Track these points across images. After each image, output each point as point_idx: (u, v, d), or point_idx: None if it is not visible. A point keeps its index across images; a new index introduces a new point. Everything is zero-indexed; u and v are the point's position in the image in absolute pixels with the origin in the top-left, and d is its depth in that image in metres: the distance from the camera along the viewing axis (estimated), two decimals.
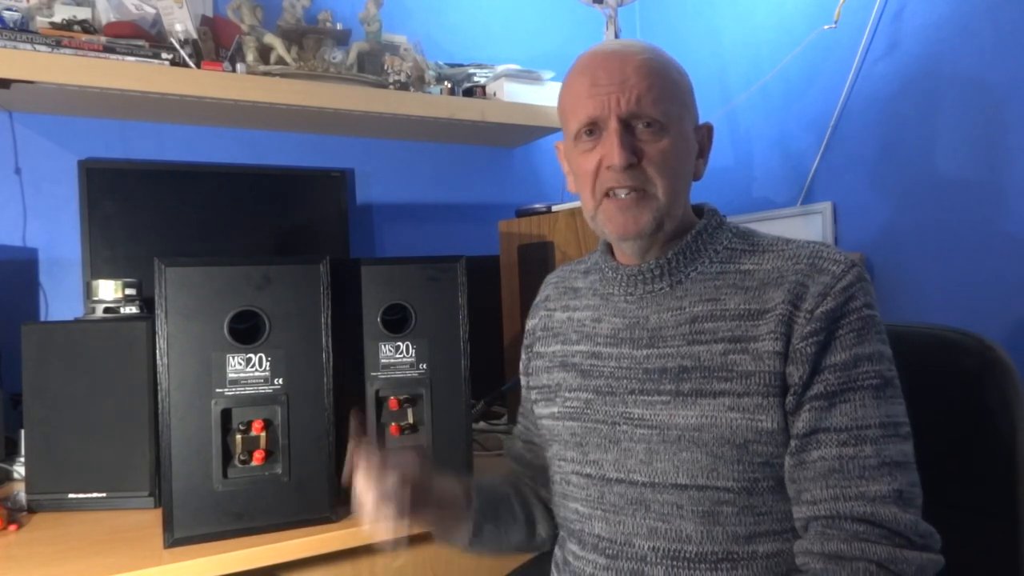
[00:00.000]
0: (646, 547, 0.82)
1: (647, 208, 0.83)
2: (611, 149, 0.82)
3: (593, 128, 0.84)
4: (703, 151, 0.91)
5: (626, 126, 0.82)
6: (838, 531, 0.73)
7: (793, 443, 0.77)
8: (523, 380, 1.04)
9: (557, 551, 0.96)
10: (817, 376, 0.76)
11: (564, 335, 0.95)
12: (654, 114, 0.82)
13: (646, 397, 0.83)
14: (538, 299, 1.05)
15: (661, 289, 0.87)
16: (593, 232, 0.91)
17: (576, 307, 0.96)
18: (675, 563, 0.80)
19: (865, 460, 0.74)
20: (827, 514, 0.74)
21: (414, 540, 1.16)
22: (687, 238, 0.87)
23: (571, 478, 0.90)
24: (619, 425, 0.85)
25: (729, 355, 0.79)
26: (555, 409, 0.92)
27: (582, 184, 0.87)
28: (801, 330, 0.77)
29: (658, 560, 0.81)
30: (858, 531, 0.72)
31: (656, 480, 0.81)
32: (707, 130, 0.91)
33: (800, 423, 0.77)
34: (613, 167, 0.82)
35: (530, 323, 1.04)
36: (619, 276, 0.90)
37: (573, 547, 0.90)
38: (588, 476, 0.87)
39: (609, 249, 0.94)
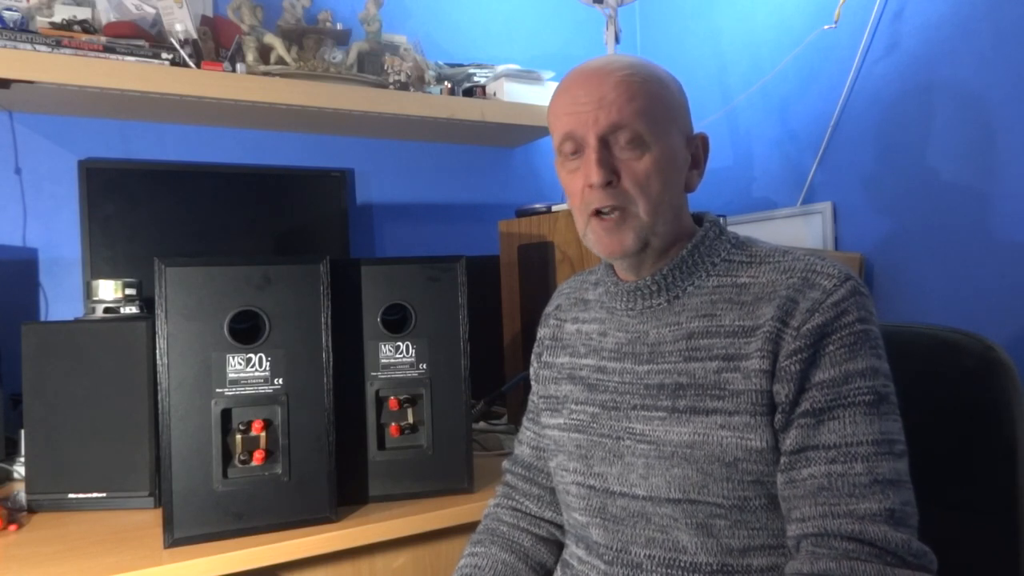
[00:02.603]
0: (642, 554, 0.82)
1: (629, 228, 0.83)
2: (590, 167, 0.82)
3: (576, 147, 0.84)
4: (697, 162, 0.88)
5: (605, 144, 0.82)
6: (827, 549, 0.71)
7: (783, 460, 0.76)
8: (533, 386, 1.03)
9: (564, 549, 0.96)
10: (805, 394, 0.75)
11: (573, 347, 0.95)
12: (631, 131, 0.81)
13: (646, 413, 0.83)
14: (549, 308, 1.04)
15: (659, 304, 0.87)
16: None
17: (585, 319, 0.96)
18: (670, 571, 0.80)
19: (856, 478, 0.72)
20: (816, 532, 0.73)
21: (414, 540, 1.16)
22: (683, 252, 0.86)
23: (571, 488, 0.90)
24: (623, 440, 0.85)
25: (722, 373, 0.79)
26: (561, 420, 0.92)
27: (571, 202, 0.88)
28: (787, 347, 0.76)
29: (653, 567, 0.81)
30: (848, 549, 0.70)
31: (653, 494, 0.81)
32: (701, 140, 0.89)
33: (789, 441, 0.76)
34: (592, 185, 0.82)
35: (540, 331, 1.04)
36: (620, 291, 0.90)
37: (579, 551, 0.91)
38: (591, 488, 0.87)
39: (611, 263, 0.94)
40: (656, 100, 0.83)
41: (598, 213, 0.84)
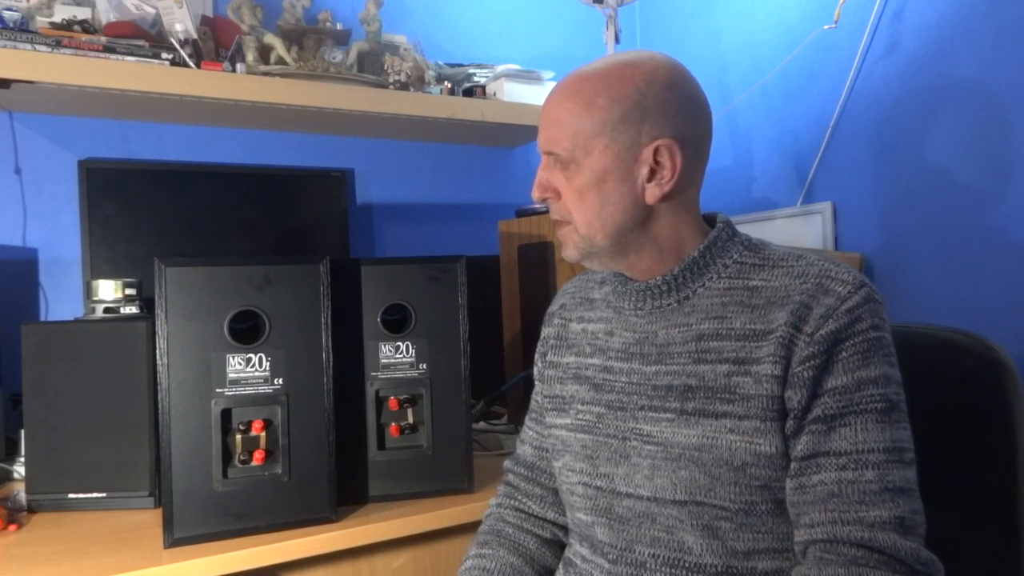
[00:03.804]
0: (646, 554, 0.82)
1: (570, 240, 0.88)
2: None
3: None
4: (655, 173, 0.82)
5: (548, 161, 0.87)
6: (836, 556, 0.71)
7: (793, 466, 0.76)
8: (537, 386, 1.03)
9: (568, 548, 0.96)
10: (817, 400, 0.75)
11: (578, 347, 0.95)
12: (560, 151, 0.84)
13: (654, 414, 0.83)
14: (553, 307, 1.04)
15: (669, 305, 0.86)
16: None
17: (591, 319, 0.95)
18: (674, 570, 0.80)
19: (866, 485, 0.72)
20: (824, 538, 0.73)
21: (414, 540, 1.16)
22: (694, 253, 0.85)
23: (576, 488, 0.90)
24: (629, 440, 0.85)
25: (732, 377, 0.79)
26: (568, 420, 0.92)
27: None
28: (800, 353, 0.76)
29: (657, 567, 0.81)
30: (856, 556, 0.70)
31: (658, 495, 0.81)
32: (664, 148, 0.81)
33: (800, 446, 0.76)
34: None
35: (545, 331, 1.03)
36: (628, 291, 0.89)
37: (583, 550, 0.91)
38: (598, 488, 0.87)
39: None
40: (587, 117, 0.82)
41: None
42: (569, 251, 0.88)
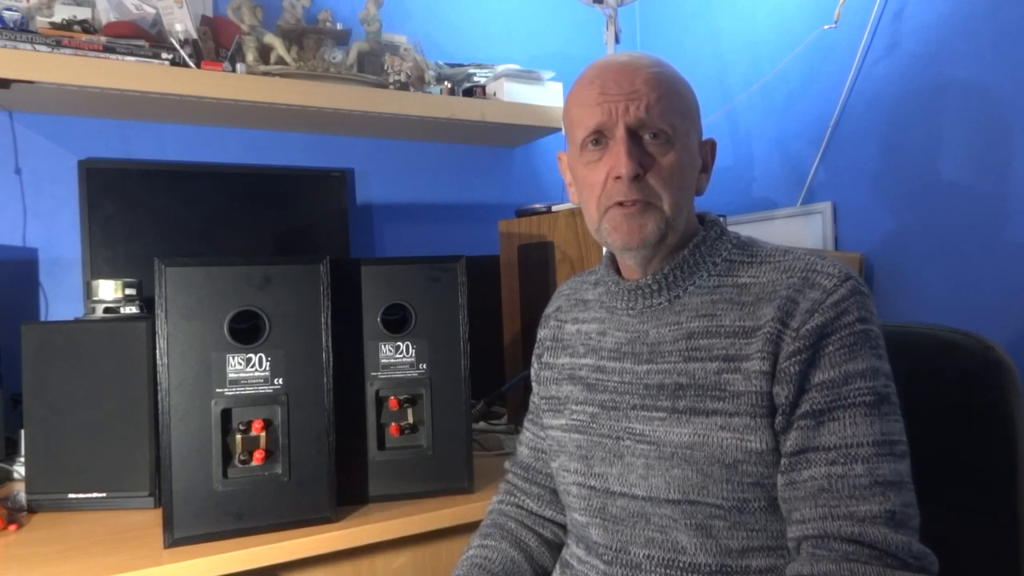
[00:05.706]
0: (641, 555, 0.82)
1: (651, 218, 0.82)
2: (619, 159, 0.80)
3: (600, 138, 0.83)
4: (706, 166, 0.90)
5: (633, 136, 0.82)
6: (827, 551, 0.71)
7: (783, 462, 0.76)
8: (534, 387, 1.04)
9: (564, 550, 0.96)
10: (804, 395, 0.75)
11: (572, 347, 0.95)
12: (662, 125, 0.81)
13: (646, 413, 0.83)
14: (549, 309, 1.04)
15: (660, 304, 0.86)
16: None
17: (585, 319, 0.96)
18: (669, 571, 0.80)
19: (856, 479, 0.72)
20: (816, 534, 0.73)
21: (414, 540, 1.16)
22: (685, 252, 0.86)
23: (572, 488, 0.90)
24: (623, 440, 0.85)
25: (723, 374, 0.79)
26: (563, 421, 0.92)
27: (587, 196, 0.86)
28: (787, 349, 0.76)
29: (652, 568, 0.81)
30: (847, 551, 0.70)
31: (652, 495, 0.81)
32: (711, 146, 0.91)
33: (789, 442, 0.76)
34: (621, 177, 0.81)
35: (541, 333, 1.04)
36: (621, 290, 0.90)
37: (579, 552, 0.91)
38: (592, 488, 0.87)
39: (612, 262, 0.93)
40: (681, 100, 0.84)
41: (619, 204, 0.83)
42: (648, 227, 0.82)
